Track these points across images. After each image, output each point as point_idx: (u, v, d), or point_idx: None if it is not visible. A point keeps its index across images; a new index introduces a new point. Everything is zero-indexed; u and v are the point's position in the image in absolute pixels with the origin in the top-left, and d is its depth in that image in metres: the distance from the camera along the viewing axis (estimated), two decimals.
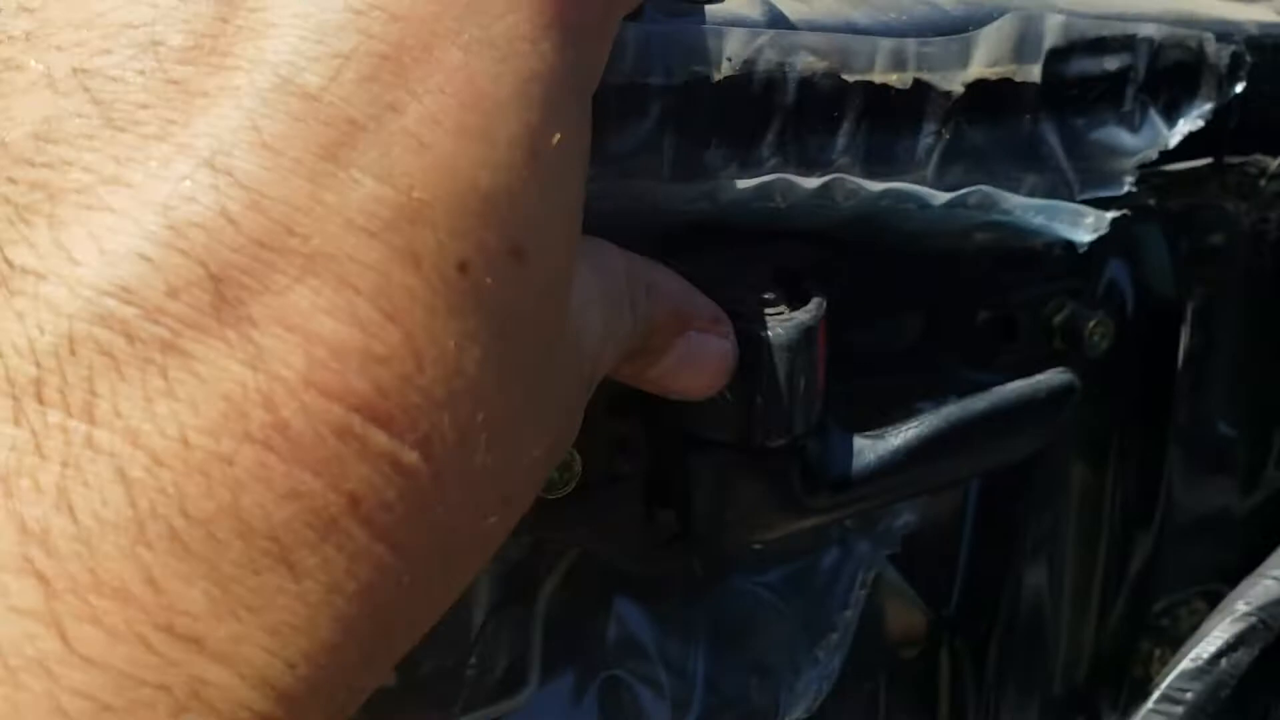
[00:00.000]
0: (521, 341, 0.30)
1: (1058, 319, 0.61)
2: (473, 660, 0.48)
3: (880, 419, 0.52)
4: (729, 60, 0.44)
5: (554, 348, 0.32)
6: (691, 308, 0.41)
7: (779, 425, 0.46)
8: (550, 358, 0.32)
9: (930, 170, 0.51)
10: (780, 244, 0.50)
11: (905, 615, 0.64)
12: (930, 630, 0.65)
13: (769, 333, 0.45)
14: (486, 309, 0.28)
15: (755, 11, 0.46)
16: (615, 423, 0.47)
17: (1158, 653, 0.75)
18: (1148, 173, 0.60)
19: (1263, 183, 0.69)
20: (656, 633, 0.55)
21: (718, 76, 0.44)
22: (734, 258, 0.48)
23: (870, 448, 0.50)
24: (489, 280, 0.28)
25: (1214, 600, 0.68)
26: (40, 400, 0.23)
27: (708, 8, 0.45)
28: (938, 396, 0.59)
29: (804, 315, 0.47)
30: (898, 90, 0.48)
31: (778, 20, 0.46)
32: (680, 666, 0.54)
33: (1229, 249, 0.69)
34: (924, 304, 0.58)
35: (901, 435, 0.51)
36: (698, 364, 0.42)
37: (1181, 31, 0.58)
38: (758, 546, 0.54)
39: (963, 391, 0.56)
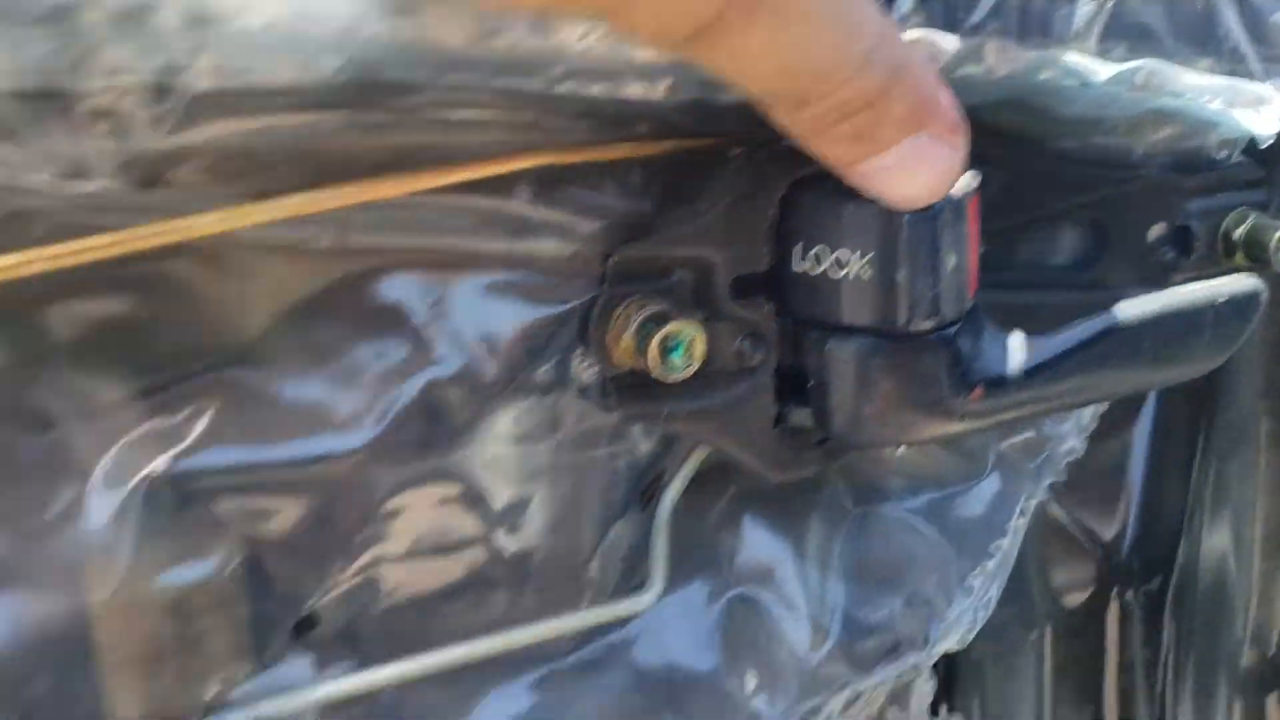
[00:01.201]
0: None
1: (1239, 232, 0.55)
2: (595, 560, 0.46)
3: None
4: None
5: None
6: (933, 108, 0.37)
7: (924, 306, 0.42)
8: None
9: (1091, 44, 0.47)
10: None
11: (1071, 557, 0.59)
12: (1098, 578, 0.60)
13: None
14: None
15: None
16: (743, 309, 0.44)
17: None
18: None
19: None
20: (791, 559, 0.51)
21: None
22: None
23: (1028, 346, 0.46)
24: None
25: None
26: None
27: None
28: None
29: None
30: None
31: None
32: (818, 593, 0.51)
33: None
34: (1090, 213, 0.53)
35: (1063, 336, 0.47)
36: (917, 169, 0.38)
37: None
38: (900, 451, 0.50)
39: None
